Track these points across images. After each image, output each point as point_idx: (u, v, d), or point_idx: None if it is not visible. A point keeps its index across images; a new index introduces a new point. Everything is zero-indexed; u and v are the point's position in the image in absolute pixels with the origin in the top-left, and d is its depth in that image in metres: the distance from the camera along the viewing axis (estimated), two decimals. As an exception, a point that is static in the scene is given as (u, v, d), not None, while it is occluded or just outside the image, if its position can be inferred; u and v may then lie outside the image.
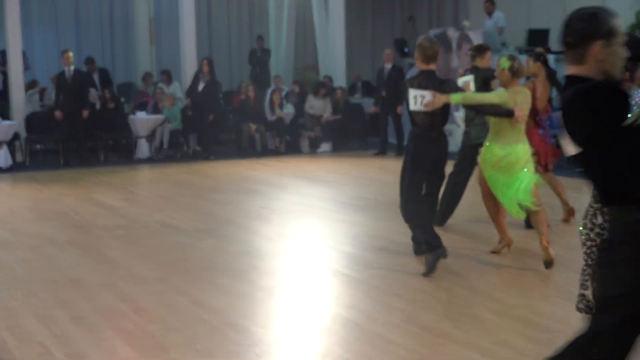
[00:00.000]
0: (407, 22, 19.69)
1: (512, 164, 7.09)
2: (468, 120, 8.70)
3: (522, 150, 7.13)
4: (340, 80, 17.96)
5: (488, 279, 6.79)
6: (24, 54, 16.78)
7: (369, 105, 17.13)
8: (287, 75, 20.18)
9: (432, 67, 7.20)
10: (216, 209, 10.33)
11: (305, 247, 8.20)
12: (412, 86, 7.17)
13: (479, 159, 7.55)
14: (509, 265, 7.25)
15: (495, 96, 7.14)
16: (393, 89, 15.54)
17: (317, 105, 17.08)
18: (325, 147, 16.98)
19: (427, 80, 7.13)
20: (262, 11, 22.26)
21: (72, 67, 15.27)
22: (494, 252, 7.63)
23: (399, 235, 8.27)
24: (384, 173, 13.01)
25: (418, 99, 7.12)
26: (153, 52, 20.80)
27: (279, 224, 9.34)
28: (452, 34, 16.07)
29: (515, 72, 7.16)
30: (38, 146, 16.22)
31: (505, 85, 7.21)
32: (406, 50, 18.41)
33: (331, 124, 16.80)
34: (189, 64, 16.96)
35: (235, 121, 17.16)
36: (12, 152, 15.36)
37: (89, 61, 17.54)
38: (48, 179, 13.57)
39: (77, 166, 15.08)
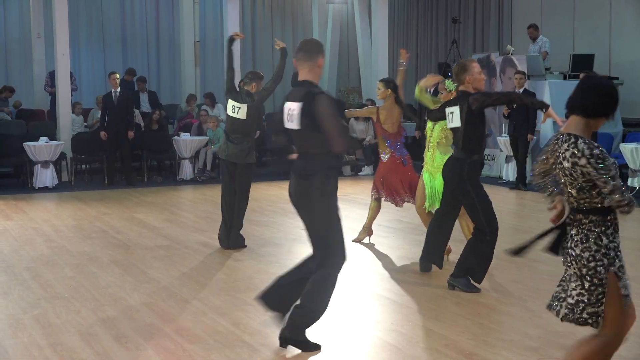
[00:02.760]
0: (451, 46, 19.65)
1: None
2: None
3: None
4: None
5: (528, 305, 6.71)
6: (72, 75, 17.03)
7: (412, 129, 17.10)
8: (330, 98, 20.24)
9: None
10: (257, 230, 10.36)
11: (345, 270, 8.16)
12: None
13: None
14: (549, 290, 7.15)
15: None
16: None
17: (358, 129, 17.11)
18: (366, 170, 16.98)
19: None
20: (305, 33, 22.41)
21: (118, 89, 15.47)
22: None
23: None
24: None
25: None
26: (198, 74, 21.02)
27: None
28: (496, 58, 16.02)
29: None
30: (83, 166, 16.44)
31: None
32: (450, 74, 18.38)
33: (373, 148, 16.79)
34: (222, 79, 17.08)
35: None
36: (58, 172, 15.58)
37: (141, 80, 17.67)
38: (92, 198, 13.73)
39: (120, 186, 15.25)
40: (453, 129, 7.20)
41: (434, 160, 8.24)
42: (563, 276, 4.30)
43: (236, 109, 9.11)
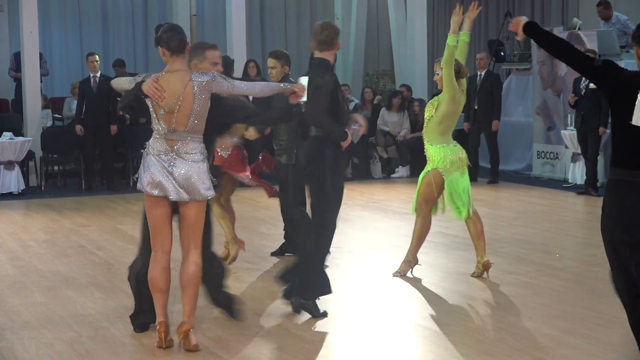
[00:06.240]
0: (504, 20, 19.61)
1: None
2: None
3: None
4: (420, 91, 17.95)
5: (600, 337, 6.69)
6: (41, 57, 17.10)
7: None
8: (356, 83, 20.24)
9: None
10: (267, 245, 10.37)
11: (375, 294, 8.19)
12: None
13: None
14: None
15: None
16: (487, 101, 15.50)
17: (391, 121, 17.11)
18: (401, 171, 16.97)
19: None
20: (326, 5, 22.43)
21: (98, 74, 15.53)
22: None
23: (487, 282, 8.24)
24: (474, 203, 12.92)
25: None
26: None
27: (343, 265, 9.35)
28: (560, 34, 15.98)
29: (458, 72, 8.34)
30: (55, 167, 16.51)
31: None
32: (503, 53, 18.35)
33: (409, 144, 16.78)
34: (238, 69, 17.12)
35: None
36: (25, 175, 15.66)
37: (118, 64, 17.65)
38: (67, 206, 13.80)
39: (101, 192, 15.32)
40: None
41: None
42: None
43: None
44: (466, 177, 8.54)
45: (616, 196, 5.17)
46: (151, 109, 6.40)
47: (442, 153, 8.47)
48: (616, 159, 5.19)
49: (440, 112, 8.46)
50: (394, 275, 8.70)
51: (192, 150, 6.38)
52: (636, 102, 4.96)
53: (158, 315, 6.53)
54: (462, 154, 8.54)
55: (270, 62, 9.31)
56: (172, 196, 6.37)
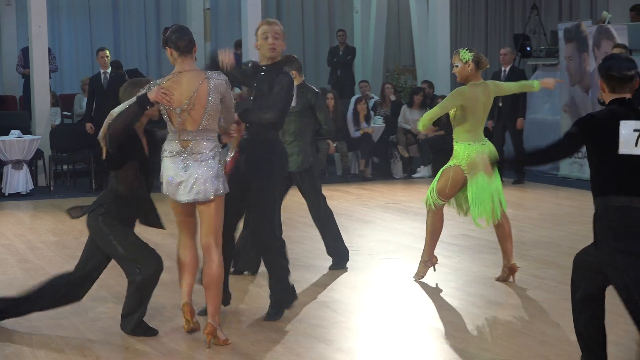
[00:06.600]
0: (530, 13, 19.57)
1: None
2: None
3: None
4: (443, 87, 17.92)
5: (631, 343, 6.66)
6: (50, 53, 17.14)
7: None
8: (376, 80, 20.23)
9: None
10: (290, 248, 10.35)
11: (396, 299, 8.18)
12: None
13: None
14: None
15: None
16: (512, 98, 15.44)
17: (413, 119, 17.09)
18: (423, 171, 16.95)
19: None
20: (345, 3, 22.42)
21: (108, 69, 15.57)
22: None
23: (513, 286, 8.21)
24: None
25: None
26: (208, 49, 21.11)
27: (364, 268, 9.35)
28: (588, 28, 15.92)
29: (478, 64, 8.44)
30: (65, 167, 16.57)
31: (467, 79, 8.48)
32: (529, 48, 18.30)
33: (431, 142, 16.77)
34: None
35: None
36: (34, 174, 15.71)
37: (115, 65, 16.98)
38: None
39: (112, 192, 15.33)
40: None
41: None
42: None
43: None
44: (496, 177, 8.52)
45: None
46: (165, 115, 6.61)
47: (466, 151, 8.45)
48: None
49: (459, 111, 8.48)
50: (415, 280, 8.69)
51: (204, 149, 6.56)
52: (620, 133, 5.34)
53: (184, 297, 6.81)
54: (489, 153, 8.48)
55: None
56: (186, 197, 6.54)
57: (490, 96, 8.58)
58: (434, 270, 8.75)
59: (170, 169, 6.63)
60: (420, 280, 8.71)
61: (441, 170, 8.76)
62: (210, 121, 6.55)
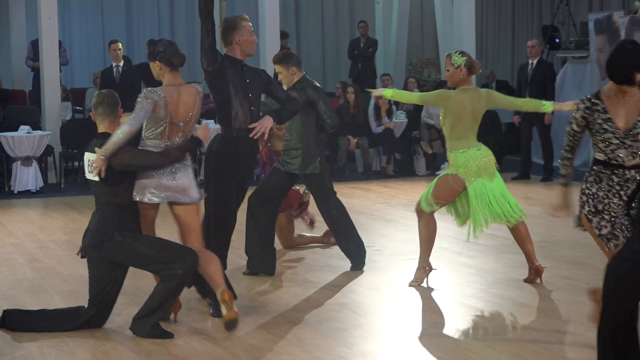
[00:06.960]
0: (559, 4, 19.51)
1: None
2: None
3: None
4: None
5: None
6: (61, 45, 17.19)
7: (507, 114, 17.01)
8: (399, 73, 20.23)
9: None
10: (302, 254, 10.38)
11: (419, 301, 8.17)
12: None
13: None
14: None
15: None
16: (539, 92, 15.40)
17: (437, 113, 17.07)
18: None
19: None
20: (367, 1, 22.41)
21: (121, 63, 15.61)
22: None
23: (540, 287, 8.20)
24: (526, 203, 12.87)
25: None
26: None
27: (386, 269, 9.34)
28: (620, 19, 15.86)
29: (470, 69, 8.44)
30: (76, 163, 16.58)
31: (458, 85, 8.45)
32: (557, 40, 18.24)
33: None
34: (270, 57, 17.10)
35: (329, 133, 17.26)
36: (44, 171, 15.76)
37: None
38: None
39: (125, 190, 15.37)
40: None
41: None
42: None
43: None
44: (498, 180, 8.52)
45: None
46: (159, 129, 7.16)
47: (462, 159, 8.45)
48: None
49: (447, 118, 8.50)
50: (409, 285, 8.63)
51: (187, 156, 7.20)
52: None
53: (220, 285, 6.98)
54: (487, 157, 8.47)
55: (275, 68, 9.29)
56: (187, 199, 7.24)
57: (481, 103, 8.47)
58: (427, 282, 8.70)
59: (162, 175, 7.13)
60: (421, 285, 8.65)
61: (437, 178, 8.78)
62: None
